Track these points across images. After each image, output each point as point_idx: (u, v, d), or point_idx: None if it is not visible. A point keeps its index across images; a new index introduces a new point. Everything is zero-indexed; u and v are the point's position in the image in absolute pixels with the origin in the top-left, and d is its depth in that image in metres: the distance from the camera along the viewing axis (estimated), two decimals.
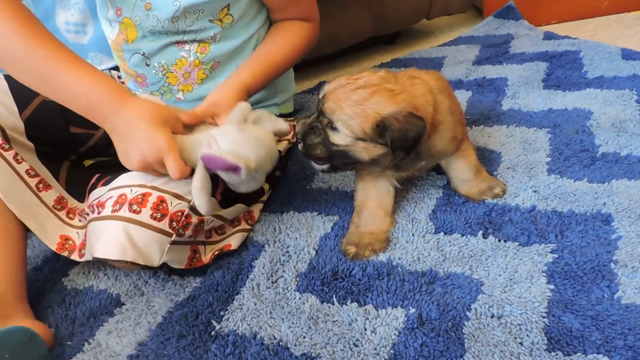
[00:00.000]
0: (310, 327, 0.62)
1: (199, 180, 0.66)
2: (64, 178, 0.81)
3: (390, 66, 1.40)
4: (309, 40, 0.90)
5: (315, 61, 1.52)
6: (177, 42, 0.81)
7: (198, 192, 0.66)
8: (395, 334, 0.59)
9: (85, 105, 0.67)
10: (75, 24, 1.09)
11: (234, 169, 0.66)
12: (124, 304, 0.73)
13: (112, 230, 0.66)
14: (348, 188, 0.88)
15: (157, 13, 0.77)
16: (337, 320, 0.63)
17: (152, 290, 0.74)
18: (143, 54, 0.82)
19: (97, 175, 0.81)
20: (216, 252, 0.76)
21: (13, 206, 0.71)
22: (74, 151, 0.83)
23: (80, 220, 0.78)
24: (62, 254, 0.74)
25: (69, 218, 0.77)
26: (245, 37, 0.85)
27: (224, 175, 0.69)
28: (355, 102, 0.66)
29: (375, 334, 0.60)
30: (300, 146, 0.73)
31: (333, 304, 0.65)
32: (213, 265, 0.76)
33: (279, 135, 0.81)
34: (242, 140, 0.70)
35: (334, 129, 0.68)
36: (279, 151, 0.85)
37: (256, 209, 0.86)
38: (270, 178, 0.91)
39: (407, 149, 0.66)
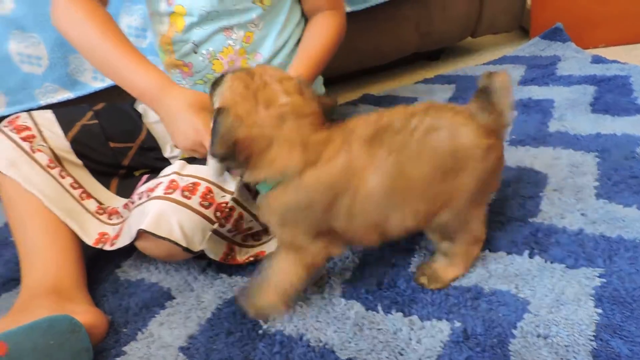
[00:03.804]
0: (355, 333, 0.64)
1: None
2: (115, 187, 0.90)
3: (434, 82, 1.42)
4: (341, 30, 0.95)
5: (359, 73, 1.54)
6: (225, 29, 0.87)
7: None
8: (440, 346, 0.60)
9: (138, 93, 0.79)
10: (136, 28, 1.15)
11: None
12: (174, 298, 0.76)
13: (162, 209, 0.71)
14: None
15: None
16: (382, 329, 0.64)
17: (202, 287, 0.77)
18: (193, 43, 0.88)
19: (146, 176, 0.86)
20: (251, 258, 0.80)
21: (55, 210, 0.79)
22: (118, 164, 0.91)
23: (118, 219, 0.83)
24: (97, 246, 0.80)
25: (109, 219, 0.85)
26: (282, 25, 0.92)
27: None
28: None
29: (420, 344, 0.61)
30: None
31: (378, 312, 0.67)
32: (259, 267, 0.79)
33: None
34: None
35: None
36: None
37: None
38: None
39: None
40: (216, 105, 0.64)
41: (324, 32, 0.92)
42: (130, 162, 0.93)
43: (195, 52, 0.88)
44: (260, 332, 0.67)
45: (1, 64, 1.09)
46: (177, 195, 0.71)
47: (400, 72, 1.59)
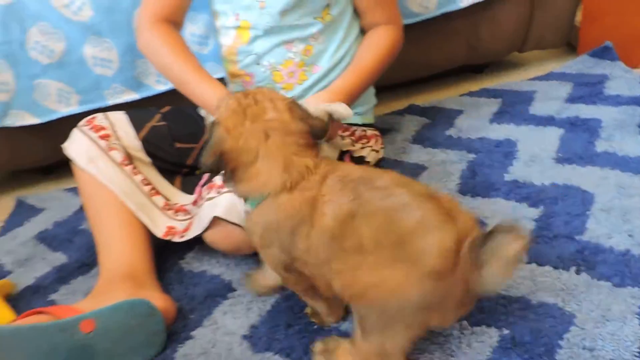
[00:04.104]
0: None
1: None
2: (179, 184, 0.99)
3: (480, 95, 1.45)
4: (396, 44, 0.99)
5: (406, 84, 1.58)
6: (286, 43, 0.94)
7: None
8: (489, 351, 0.64)
9: (201, 103, 0.89)
10: (199, 36, 1.22)
11: None
12: (235, 290, 0.82)
13: (234, 201, 0.78)
14: None
15: (270, 9, 0.91)
16: (433, 331, 0.68)
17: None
18: (256, 54, 0.95)
19: (207, 174, 0.93)
20: None
21: (130, 204, 0.87)
22: (183, 163, 1.00)
23: (184, 215, 0.90)
24: (165, 238, 0.88)
25: (175, 215, 0.93)
26: (341, 40, 0.97)
27: None
28: None
29: (470, 348, 0.65)
30: None
31: None
32: None
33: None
34: None
35: None
36: (367, 161, 0.99)
37: None
38: None
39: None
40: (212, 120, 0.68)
41: (377, 45, 0.97)
42: (193, 162, 1.00)
43: (258, 64, 0.95)
44: (315, 326, 0.72)
45: (77, 66, 1.18)
46: None
47: (444, 84, 1.62)
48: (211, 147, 0.64)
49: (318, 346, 0.66)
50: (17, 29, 1.11)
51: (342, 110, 0.78)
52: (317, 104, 0.77)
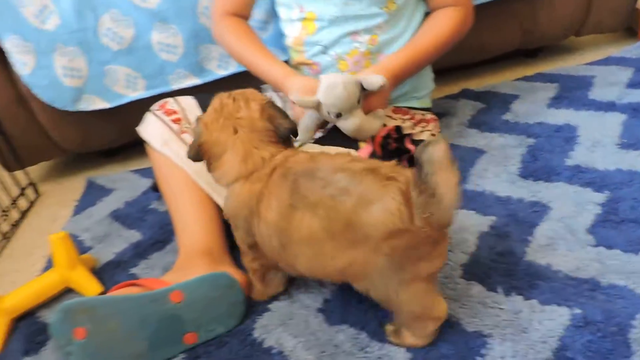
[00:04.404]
0: (480, 310, 0.71)
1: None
2: None
3: (535, 80, 1.44)
4: (459, 26, 0.98)
5: (459, 68, 1.58)
6: (352, 33, 0.96)
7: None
8: (561, 329, 0.66)
9: (269, 81, 0.98)
10: (259, 20, 1.26)
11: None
12: None
13: None
14: (501, 193, 0.95)
15: None
16: (504, 309, 0.71)
17: None
18: (322, 46, 0.98)
19: None
20: None
21: (201, 182, 0.91)
22: None
23: None
24: None
25: None
26: (403, 28, 0.98)
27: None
28: None
29: (542, 325, 0.67)
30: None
31: (498, 293, 0.73)
32: None
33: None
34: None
35: None
36: (422, 141, 0.98)
37: None
38: None
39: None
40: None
41: (437, 26, 0.98)
42: None
43: (324, 53, 0.97)
44: None
45: (144, 52, 1.23)
46: None
47: (498, 68, 1.61)
48: (193, 142, 0.75)
49: (389, 328, 0.70)
50: (91, 17, 1.17)
51: (372, 80, 0.84)
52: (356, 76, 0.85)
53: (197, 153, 0.75)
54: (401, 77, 0.94)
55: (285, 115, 0.76)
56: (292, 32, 1.01)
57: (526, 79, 1.46)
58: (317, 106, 0.85)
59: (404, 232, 0.57)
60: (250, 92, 0.78)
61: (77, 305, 0.72)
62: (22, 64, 1.19)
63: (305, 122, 0.89)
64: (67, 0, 1.14)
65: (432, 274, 0.63)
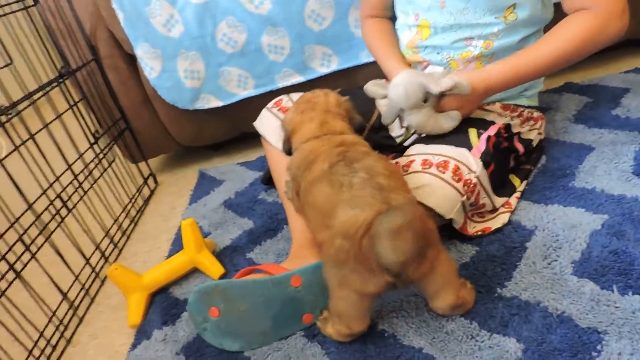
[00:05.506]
0: (593, 307, 0.72)
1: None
2: None
3: None
4: (592, 34, 0.85)
5: None
6: (466, 39, 0.96)
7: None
8: None
9: (385, 73, 1.10)
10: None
11: None
12: None
13: (422, 180, 0.85)
14: (614, 191, 0.93)
15: (450, 8, 0.95)
16: (619, 307, 0.71)
17: None
18: (435, 47, 1.00)
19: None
20: (479, 232, 0.90)
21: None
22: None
23: None
24: None
25: None
26: (525, 34, 0.95)
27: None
28: None
29: None
30: None
31: (613, 292, 0.73)
32: (485, 240, 0.89)
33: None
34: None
35: None
36: (530, 140, 1.00)
37: (512, 198, 0.97)
38: (521, 171, 1.01)
39: None
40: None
41: (560, 36, 0.88)
42: (364, 138, 1.08)
43: (438, 54, 1.00)
44: (496, 294, 0.78)
45: (255, 54, 1.33)
46: (433, 170, 0.85)
47: (604, 59, 1.54)
48: (284, 135, 0.89)
49: (324, 313, 0.81)
50: (210, 24, 1.28)
51: (461, 88, 0.87)
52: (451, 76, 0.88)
53: (289, 144, 0.87)
54: (498, 88, 0.91)
55: (358, 113, 0.91)
56: (407, 36, 1.05)
57: (637, 70, 1.39)
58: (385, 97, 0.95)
59: (350, 241, 0.65)
60: (330, 90, 0.92)
61: (212, 288, 0.82)
62: (150, 68, 1.33)
63: (391, 106, 0.96)
64: (190, 10, 1.26)
65: (367, 294, 0.70)
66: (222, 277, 1.02)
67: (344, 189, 0.69)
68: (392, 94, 0.92)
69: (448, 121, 0.92)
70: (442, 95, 0.90)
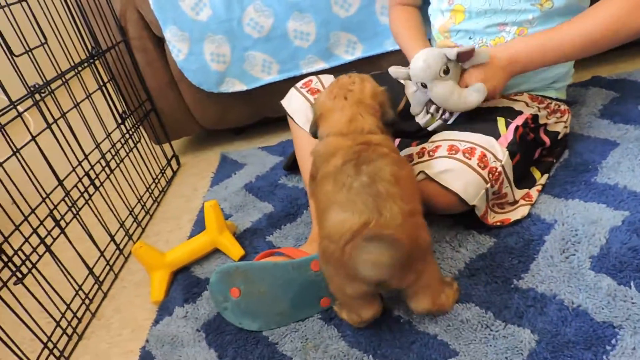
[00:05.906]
0: (609, 302, 0.72)
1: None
2: None
3: None
4: (620, 17, 0.84)
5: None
6: (500, 24, 0.96)
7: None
8: None
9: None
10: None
11: None
12: (434, 252, 0.91)
13: (449, 165, 0.85)
14: (637, 188, 0.93)
15: None
16: (635, 303, 0.71)
17: (456, 241, 0.91)
18: (467, 32, 1.00)
19: (398, 140, 1.02)
20: (498, 222, 0.91)
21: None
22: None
23: None
24: None
25: None
26: (560, 21, 0.93)
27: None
28: None
29: None
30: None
31: (630, 288, 0.73)
32: (503, 231, 0.90)
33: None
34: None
35: None
36: (556, 132, 1.00)
37: (533, 190, 0.97)
38: (542, 164, 1.01)
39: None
40: None
41: (589, 18, 0.87)
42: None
43: (470, 38, 0.99)
44: (512, 286, 0.79)
45: (280, 39, 1.34)
46: (459, 156, 0.85)
47: (633, 53, 1.51)
48: (313, 117, 0.86)
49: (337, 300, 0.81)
50: (238, 8, 1.30)
51: (480, 55, 0.88)
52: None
53: (316, 127, 0.85)
54: (522, 61, 0.90)
55: (394, 107, 0.85)
56: (440, 20, 1.04)
57: None
58: (409, 78, 0.93)
59: (335, 245, 0.68)
60: (368, 76, 0.86)
61: (233, 269, 0.85)
62: (178, 50, 1.35)
63: (417, 96, 0.96)
64: None
65: (348, 295, 0.73)
66: (242, 258, 1.04)
67: (343, 190, 0.70)
68: (412, 68, 0.90)
69: (473, 94, 0.89)
70: (464, 70, 0.90)
